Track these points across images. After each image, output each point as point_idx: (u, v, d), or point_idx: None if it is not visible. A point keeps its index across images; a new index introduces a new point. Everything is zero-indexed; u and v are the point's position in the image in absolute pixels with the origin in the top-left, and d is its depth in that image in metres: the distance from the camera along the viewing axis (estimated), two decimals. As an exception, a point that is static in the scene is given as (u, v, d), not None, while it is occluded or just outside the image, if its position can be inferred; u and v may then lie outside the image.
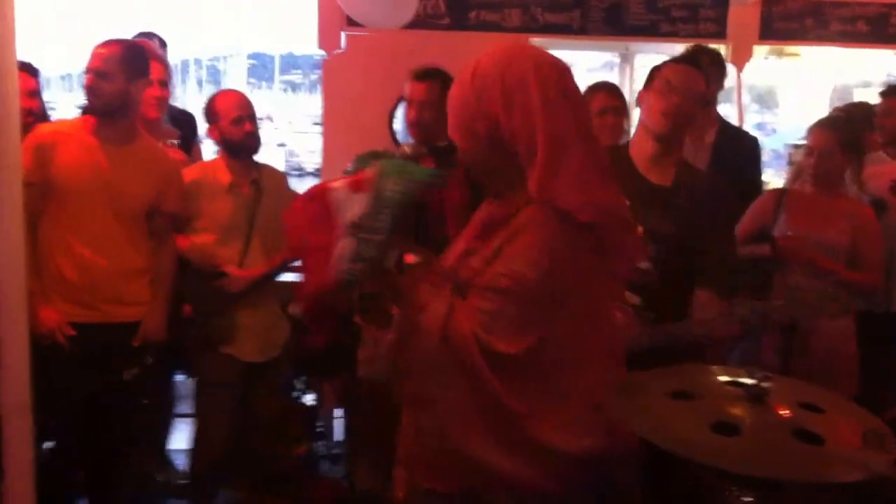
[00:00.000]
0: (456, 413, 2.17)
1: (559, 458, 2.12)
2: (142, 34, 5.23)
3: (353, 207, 2.16)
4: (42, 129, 4.00)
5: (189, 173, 4.42)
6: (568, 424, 2.13)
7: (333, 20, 6.07)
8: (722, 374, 2.24)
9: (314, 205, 2.28)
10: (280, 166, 5.02)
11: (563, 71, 2.18)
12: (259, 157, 4.52)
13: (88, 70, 3.91)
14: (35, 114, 4.56)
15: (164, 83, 4.67)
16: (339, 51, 6.17)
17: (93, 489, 4.27)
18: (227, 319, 4.31)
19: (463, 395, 2.14)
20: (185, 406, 5.05)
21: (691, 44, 5.28)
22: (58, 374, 3.74)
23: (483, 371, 2.08)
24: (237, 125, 4.34)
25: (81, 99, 4.13)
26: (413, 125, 4.13)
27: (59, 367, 3.77)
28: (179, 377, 5.13)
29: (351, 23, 5.96)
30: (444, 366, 2.15)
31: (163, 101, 4.67)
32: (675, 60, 3.53)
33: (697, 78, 3.43)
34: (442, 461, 2.23)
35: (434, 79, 4.07)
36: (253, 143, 4.42)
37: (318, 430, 5.23)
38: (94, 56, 3.91)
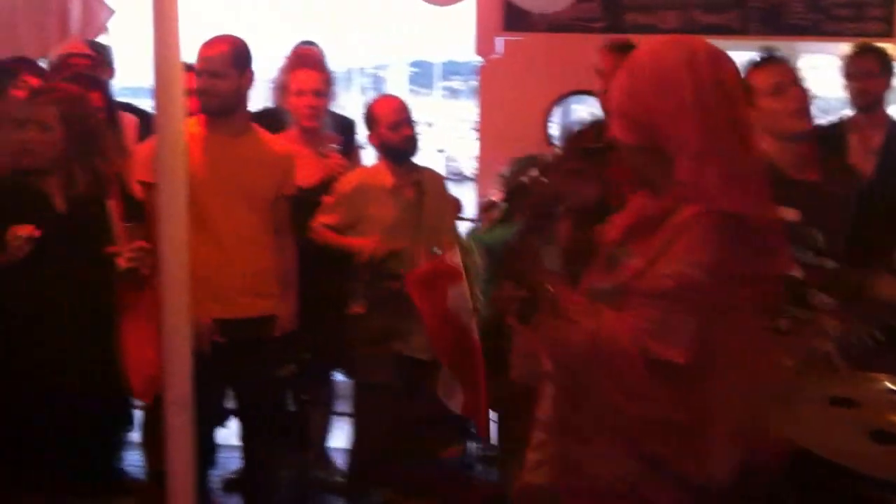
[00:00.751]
0: (614, 435, 2.15)
1: (717, 469, 2.09)
2: (303, 43, 5.34)
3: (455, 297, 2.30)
4: None
5: (352, 178, 4.50)
6: (727, 433, 2.09)
7: (491, 26, 6.11)
8: (886, 382, 2.19)
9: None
10: (439, 172, 5.08)
11: (722, 61, 2.13)
12: (418, 162, 4.59)
13: (201, 72, 3.92)
14: None
15: (320, 92, 4.67)
16: (496, 56, 6.20)
17: (247, 484, 4.40)
18: (399, 316, 4.35)
19: (621, 415, 2.12)
20: (344, 405, 5.14)
21: (856, 42, 5.12)
22: (214, 369, 3.71)
23: (644, 383, 2.05)
24: (395, 130, 4.40)
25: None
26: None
27: (213, 362, 3.74)
28: (339, 376, 5.21)
29: (508, 28, 5.99)
30: (600, 389, 2.14)
31: (317, 109, 4.67)
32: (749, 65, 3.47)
33: None
34: (600, 489, 2.21)
35: (630, 49, 4.14)
36: (412, 146, 4.48)
37: (473, 431, 5.25)
38: (204, 57, 3.93)
